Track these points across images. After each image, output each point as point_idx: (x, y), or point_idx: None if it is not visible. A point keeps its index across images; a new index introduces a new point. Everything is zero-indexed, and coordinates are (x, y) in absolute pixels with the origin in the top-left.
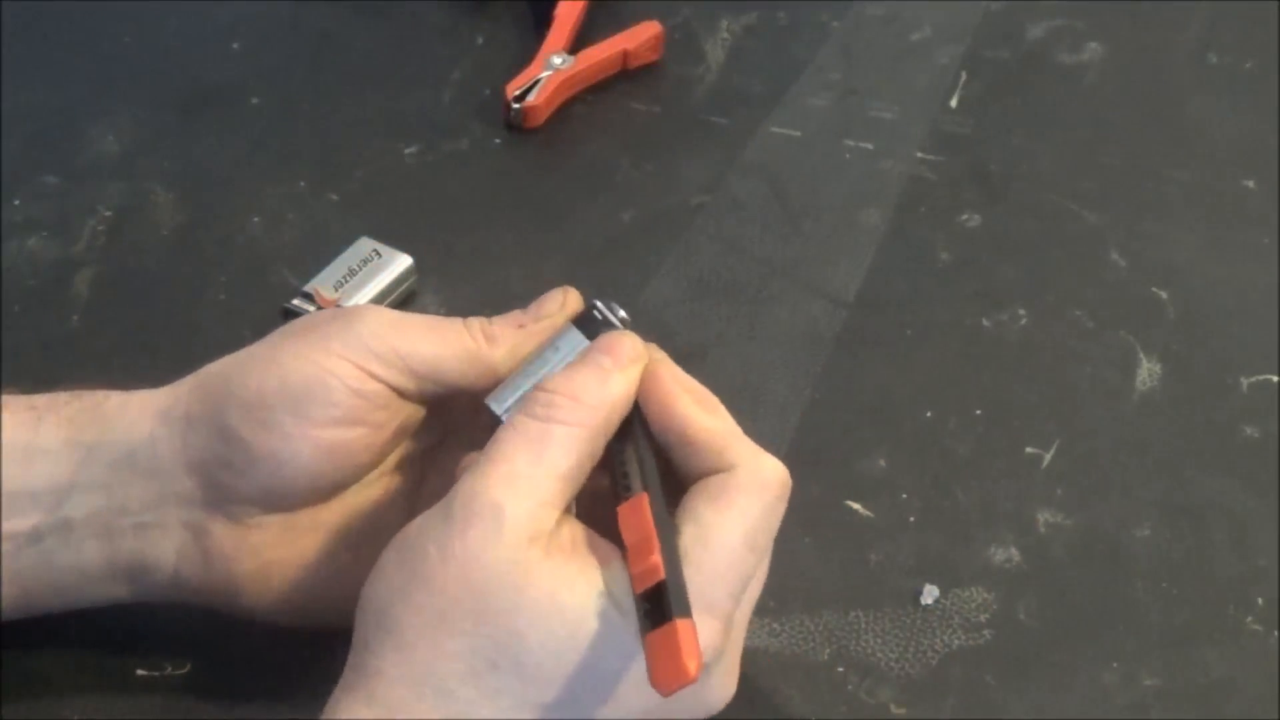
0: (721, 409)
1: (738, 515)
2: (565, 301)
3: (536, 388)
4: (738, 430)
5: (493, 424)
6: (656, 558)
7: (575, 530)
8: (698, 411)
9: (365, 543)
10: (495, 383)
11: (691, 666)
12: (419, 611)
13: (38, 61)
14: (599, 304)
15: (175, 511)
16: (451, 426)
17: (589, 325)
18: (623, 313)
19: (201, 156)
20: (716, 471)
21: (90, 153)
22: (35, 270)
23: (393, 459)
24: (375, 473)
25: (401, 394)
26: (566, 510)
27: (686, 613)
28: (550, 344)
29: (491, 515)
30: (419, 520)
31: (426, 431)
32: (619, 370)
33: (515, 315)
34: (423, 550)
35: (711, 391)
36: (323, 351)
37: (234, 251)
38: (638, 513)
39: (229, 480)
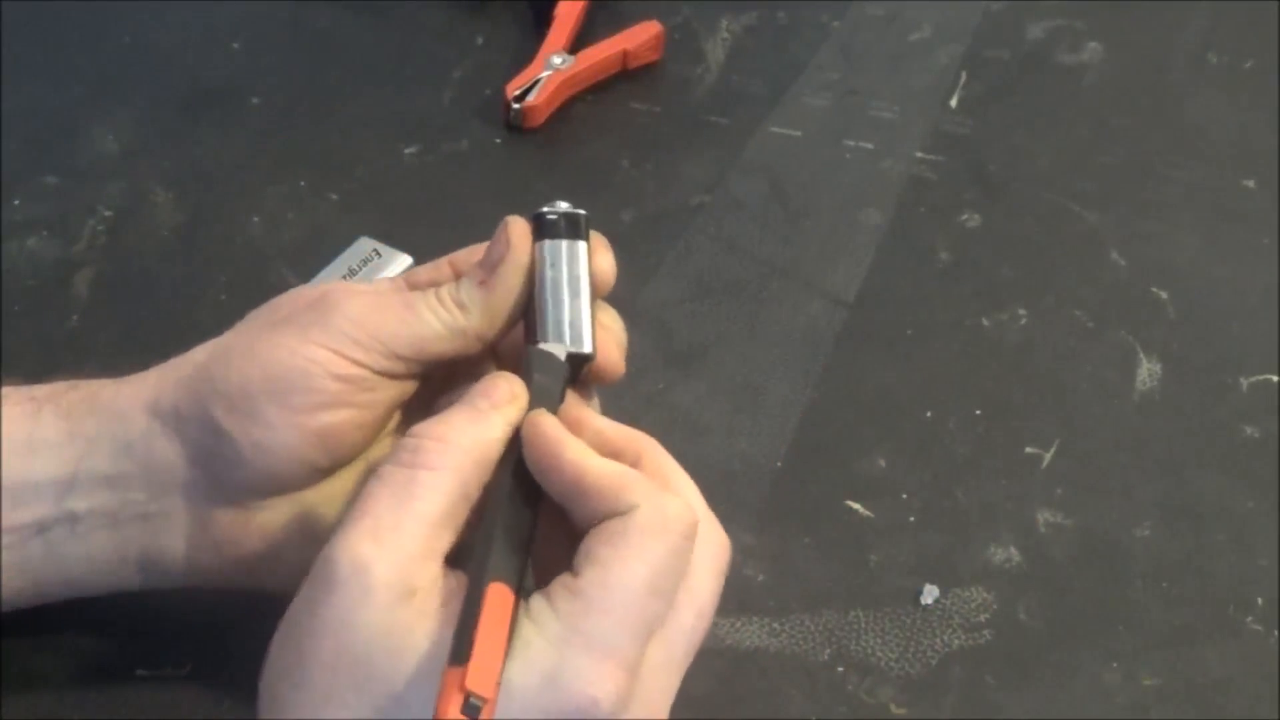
0: (645, 449)
1: (639, 557)
2: (510, 236)
3: (406, 434)
4: (634, 472)
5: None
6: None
7: (459, 581)
8: (589, 456)
9: None
10: (478, 347)
11: (446, 712)
12: (301, 690)
13: (38, 61)
14: (546, 209)
15: (179, 501)
16: (450, 375)
17: (555, 229)
18: (566, 204)
19: (201, 156)
20: (616, 514)
21: (90, 153)
22: (35, 270)
23: (393, 422)
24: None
25: (386, 375)
26: (446, 558)
27: (461, 661)
28: (543, 266)
29: (359, 575)
30: (300, 592)
31: (424, 388)
32: (495, 410)
33: (474, 272)
34: (297, 622)
35: (712, 390)
36: (301, 340)
37: (234, 251)
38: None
39: (224, 471)
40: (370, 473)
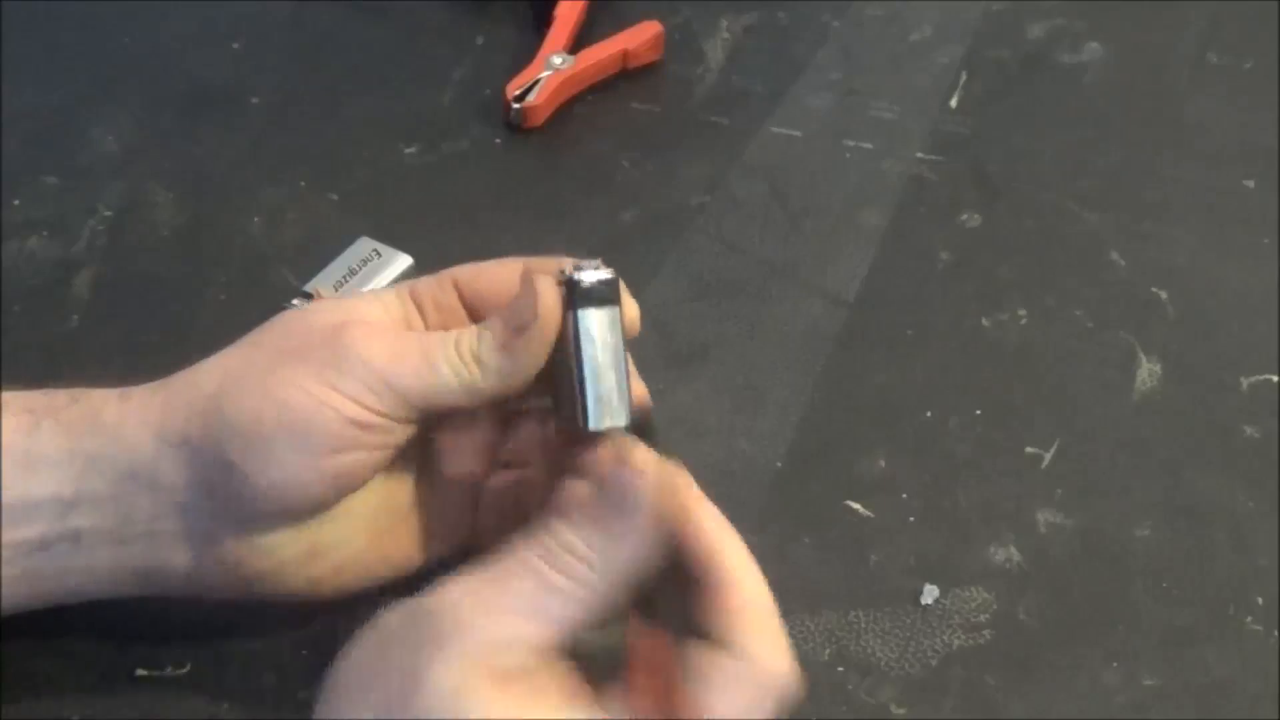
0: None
1: (742, 709)
2: (540, 305)
3: (552, 531)
4: (760, 601)
5: (585, 437)
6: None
7: (559, 679)
8: (746, 570)
9: (378, 523)
10: (490, 404)
11: None
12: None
13: (38, 61)
14: (580, 277)
15: (183, 523)
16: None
17: (588, 298)
18: (594, 262)
19: (201, 156)
20: (721, 643)
21: (90, 153)
22: (35, 270)
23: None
24: None
25: (398, 420)
26: (558, 656)
27: None
28: (580, 340)
29: (454, 635)
30: (395, 613)
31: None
32: (641, 531)
33: (496, 327)
34: (380, 651)
35: (712, 390)
36: (317, 382)
37: (234, 251)
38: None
39: (231, 501)
40: (375, 491)
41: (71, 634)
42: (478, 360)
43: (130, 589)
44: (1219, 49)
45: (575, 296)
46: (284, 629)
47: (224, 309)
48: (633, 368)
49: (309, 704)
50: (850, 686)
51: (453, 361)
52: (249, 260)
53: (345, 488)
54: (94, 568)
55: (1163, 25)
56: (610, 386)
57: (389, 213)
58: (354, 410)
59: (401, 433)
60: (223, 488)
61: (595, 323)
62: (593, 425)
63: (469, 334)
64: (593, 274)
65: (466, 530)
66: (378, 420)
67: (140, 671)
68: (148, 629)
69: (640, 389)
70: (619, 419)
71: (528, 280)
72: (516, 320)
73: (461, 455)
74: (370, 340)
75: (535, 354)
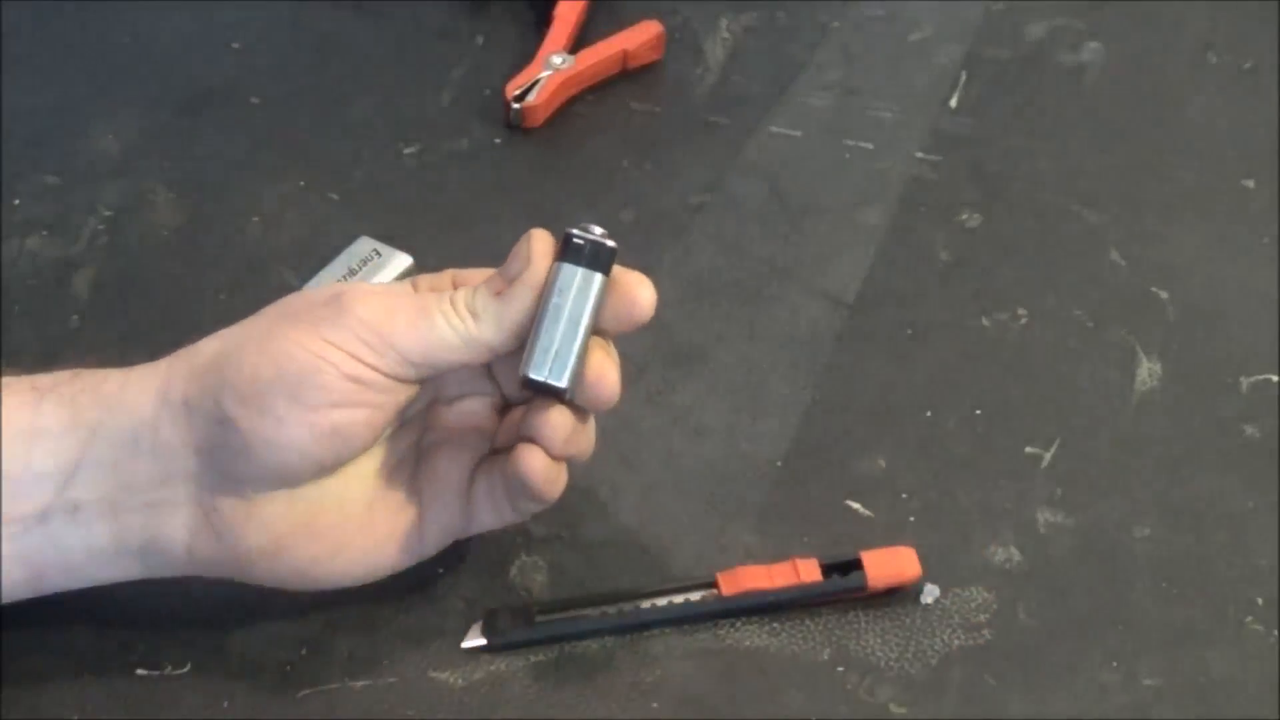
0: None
1: None
2: (531, 252)
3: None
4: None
5: (535, 390)
6: None
7: None
8: None
9: (374, 505)
10: (489, 358)
11: None
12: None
13: (38, 61)
14: (576, 232)
15: (183, 489)
16: (445, 380)
17: (577, 255)
18: (599, 230)
19: (201, 156)
20: None
21: (90, 153)
22: (35, 270)
23: (394, 423)
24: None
25: (396, 378)
26: None
27: None
28: (552, 290)
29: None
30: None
31: (423, 390)
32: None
33: (492, 281)
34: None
35: (712, 390)
36: (313, 337)
37: (234, 251)
38: None
39: (229, 461)
40: (372, 468)
41: (71, 633)
42: (473, 312)
43: (130, 569)
44: (1219, 49)
45: (565, 249)
46: (283, 628)
47: (224, 309)
48: (609, 362)
49: (309, 704)
50: (850, 686)
51: (448, 315)
52: (249, 260)
53: (342, 448)
54: (92, 543)
55: (1163, 25)
56: (563, 346)
57: (389, 213)
58: (352, 366)
59: (400, 393)
60: (221, 447)
61: (574, 281)
62: (531, 373)
63: (464, 290)
64: (590, 236)
65: (460, 520)
66: (376, 377)
67: (140, 671)
68: (147, 628)
69: (610, 385)
70: (558, 379)
71: (526, 233)
72: (510, 269)
73: (464, 426)
74: (367, 299)
75: (527, 300)
